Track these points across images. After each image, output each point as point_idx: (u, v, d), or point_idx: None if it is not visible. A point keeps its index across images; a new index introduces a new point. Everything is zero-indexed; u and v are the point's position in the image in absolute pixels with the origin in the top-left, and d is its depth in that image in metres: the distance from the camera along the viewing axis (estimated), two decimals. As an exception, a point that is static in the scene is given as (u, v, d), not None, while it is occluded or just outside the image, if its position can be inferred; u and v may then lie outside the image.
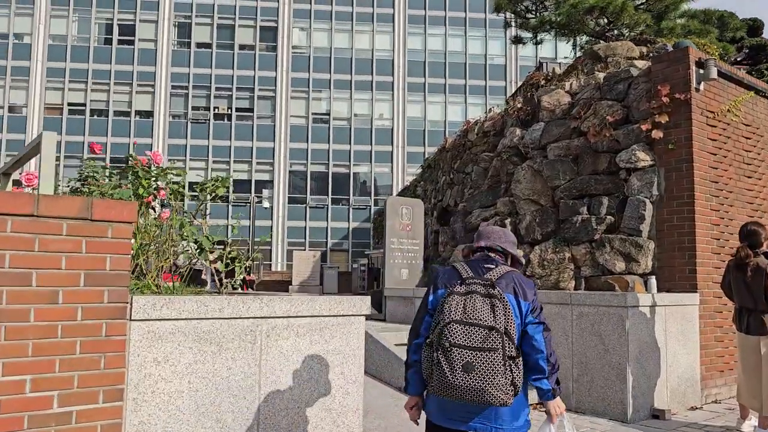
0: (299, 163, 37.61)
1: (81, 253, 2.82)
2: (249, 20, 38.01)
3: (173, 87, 37.34)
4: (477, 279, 2.58)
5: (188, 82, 37.28)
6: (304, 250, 35.14)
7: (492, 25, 38.90)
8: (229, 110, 37.49)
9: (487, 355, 2.38)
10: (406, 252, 9.76)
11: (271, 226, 36.81)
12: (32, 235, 2.71)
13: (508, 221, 8.94)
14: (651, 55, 9.15)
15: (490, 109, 17.96)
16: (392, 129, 38.14)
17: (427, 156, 24.36)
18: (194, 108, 37.31)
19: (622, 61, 9.64)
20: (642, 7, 12.28)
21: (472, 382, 2.37)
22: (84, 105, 36.68)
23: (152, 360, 3.24)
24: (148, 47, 37.38)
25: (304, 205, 37.19)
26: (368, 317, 10.09)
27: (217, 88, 37.42)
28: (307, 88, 37.93)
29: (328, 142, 37.57)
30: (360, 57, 38.47)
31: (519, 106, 10.12)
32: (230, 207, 36.56)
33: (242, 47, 38.12)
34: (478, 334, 2.42)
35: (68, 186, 4.82)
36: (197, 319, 3.41)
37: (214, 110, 37.32)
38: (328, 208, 37.29)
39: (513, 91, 26.98)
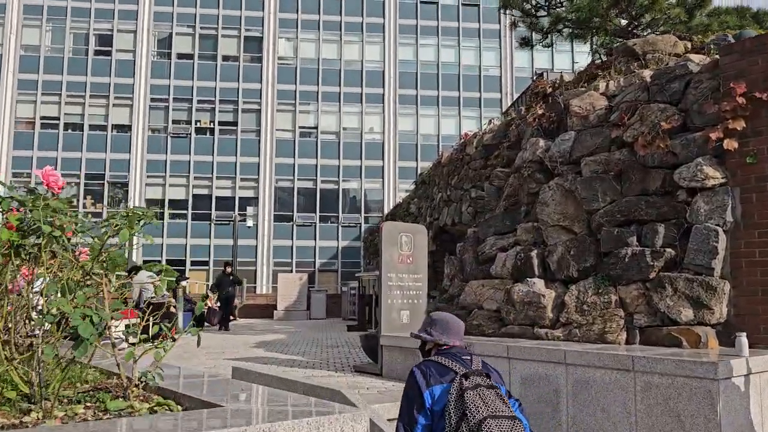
0: (285, 179, 35.84)
1: None
2: (233, 30, 36.40)
3: (152, 100, 35.55)
4: (472, 371, 2.61)
5: (168, 94, 35.51)
6: (291, 271, 33.28)
7: (486, 36, 37.55)
8: (212, 124, 35.72)
9: None
10: (406, 290, 8.02)
11: (256, 246, 34.93)
12: None
13: (533, 253, 7.23)
14: (706, 47, 7.51)
15: (490, 120, 16.41)
16: (383, 143, 36.51)
17: (420, 171, 22.68)
18: (175, 122, 35.51)
19: (666, 58, 8.02)
20: (672, 1, 10.72)
21: None
22: (57, 119, 34.79)
23: None
24: (126, 58, 35.62)
25: (291, 223, 35.38)
26: (361, 371, 8.31)
27: (199, 101, 35.67)
28: (293, 101, 36.26)
29: (316, 157, 35.86)
30: (349, 68, 36.90)
31: (540, 111, 8.45)
32: (213, 226, 34.67)
33: (225, 58, 36.44)
34: (509, 426, 2.44)
35: None
36: None
37: (195, 124, 35.54)
38: (316, 226, 35.51)
39: (510, 103, 25.50)
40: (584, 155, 7.23)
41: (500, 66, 37.59)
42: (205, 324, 16.50)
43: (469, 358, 2.79)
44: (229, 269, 17.40)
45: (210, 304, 17.25)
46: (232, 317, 20.68)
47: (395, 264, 7.97)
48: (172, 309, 13.78)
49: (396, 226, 8.17)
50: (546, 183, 7.57)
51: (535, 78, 20.77)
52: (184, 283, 17.28)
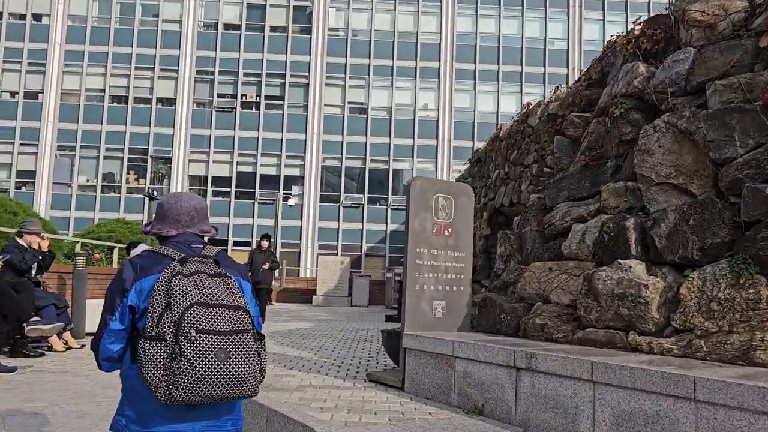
0: (333, 157, 33.94)
1: None
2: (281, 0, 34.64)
3: (198, 72, 34.23)
4: (196, 257, 2.14)
5: (214, 67, 34.11)
6: (336, 254, 31.46)
7: (553, 5, 34.45)
8: (258, 98, 34.13)
9: (240, 338, 2.04)
10: (442, 272, 5.83)
11: (300, 227, 33.25)
12: None
13: (629, 224, 4.90)
14: None
15: (557, 87, 14.18)
16: (437, 121, 34.07)
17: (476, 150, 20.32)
18: (220, 95, 34.09)
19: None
20: None
21: (229, 372, 1.99)
22: (103, 91, 33.93)
23: None
24: (173, 29, 34.39)
25: (338, 205, 33.50)
26: (377, 381, 6.18)
27: (245, 74, 34.12)
28: (343, 75, 34.24)
29: (366, 135, 33.78)
30: (403, 40, 34.55)
31: (638, 31, 6.06)
32: (256, 205, 33.18)
33: (273, 29, 34.71)
34: (227, 316, 2.04)
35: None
36: None
37: (241, 98, 34.03)
38: (363, 208, 33.51)
39: (577, 78, 22.45)
40: (711, 79, 4.85)
41: (567, 38, 34.44)
42: None
43: (200, 246, 2.26)
44: (266, 243, 13.25)
45: None
46: (267, 301, 18.89)
47: (428, 236, 5.78)
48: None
49: (431, 184, 5.95)
50: (648, 124, 5.21)
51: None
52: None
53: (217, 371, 1.97)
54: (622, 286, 4.61)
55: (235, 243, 32.54)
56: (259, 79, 34.12)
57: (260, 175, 33.56)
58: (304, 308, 20.71)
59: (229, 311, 2.05)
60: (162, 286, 2.04)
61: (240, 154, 33.66)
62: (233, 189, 33.37)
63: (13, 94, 33.83)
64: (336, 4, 34.86)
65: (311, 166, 33.66)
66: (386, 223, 33.58)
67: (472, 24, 34.77)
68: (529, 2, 34.55)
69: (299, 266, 32.72)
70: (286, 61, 34.16)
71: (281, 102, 34.05)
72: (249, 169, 33.71)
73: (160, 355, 1.97)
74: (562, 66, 33.96)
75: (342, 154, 33.80)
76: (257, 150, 33.60)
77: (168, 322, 1.98)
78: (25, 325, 5.86)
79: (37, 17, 34.41)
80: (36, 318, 6.23)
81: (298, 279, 28.81)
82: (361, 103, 34.42)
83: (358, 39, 34.60)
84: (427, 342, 5.26)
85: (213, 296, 2.05)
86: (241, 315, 2.08)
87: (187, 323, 1.96)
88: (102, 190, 33.23)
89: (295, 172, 33.90)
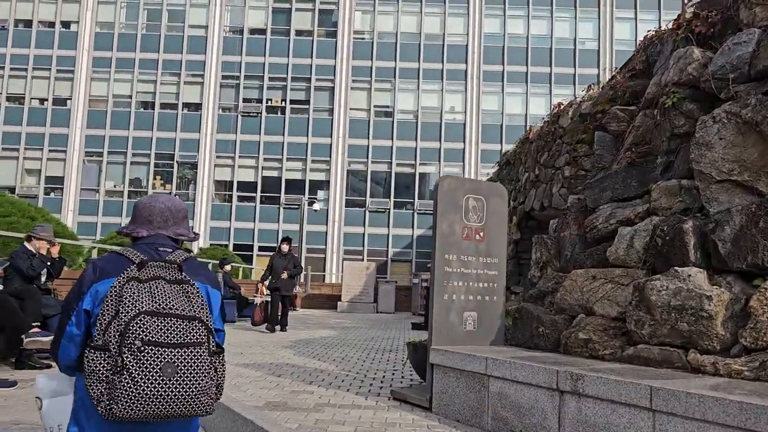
0: (359, 161, 33.56)
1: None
2: (307, 3, 34.43)
3: (224, 77, 34.19)
4: (156, 262, 2.00)
5: (240, 71, 34.03)
6: (362, 259, 31.03)
7: (583, 4, 33.64)
8: (283, 102, 33.96)
9: (190, 352, 1.88)
10: (473, 280, 5.31)
11: (326, 232, 32.91)
12: None
13: (687, 227, 4.34)
14: None
15: (589, 85, 13.53)
16: (464, 124, 33.46)
17: (504, 152, 19.76)
18: (245, 100, 34.01)
19: None
20: None
21: (176, 388, 1.83)
22: (130, 97, 34.09)
23: None
24: (199, 34, 34.42)
25: (363, 209, 33.09)
26: (402, 399, 5.67)
27: (270, 78, 33.97)
28: (369, 78, 33.87)
29: (392, 139, 33.33)
30: (429, 42, 34.06)
31: (690, 14, 5.49)
32: (281, 210, 32.94)
33: (299, 33, 34.54)
34: (178, 327, 1.88)
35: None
36: None
37: (266, 102, 33.88)
38: (389, 212, 33.04)
39: (609, 77, 21.67)
40: (781, 62, 4.27)
41: (598, 38, 33.59)
42: (252, 322, 12.59)
43: (169, 250, 2.11)
44: (286, 247, 12.43)
45: (260, 297, 13.15)
46: (291, 308, 18.40)
47: (457, 240, 5.27)
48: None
49: (460, 183, 5.44)
50: (706, 115, 4.64)
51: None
52: (227, 266, 15.26)
53: (162, 387, 1.83)
54: (680, 298, 4.04)
55: (261, 248, 32.34)
56: (285, 83, 33.95)
57: (285, 179, 33.33)
58: (328, 315, 20.29)
59: (182, 322, 1.89)
60: (115, 291, 1.90)
61: (265, 159, 33.48)
62: (258, 194, 33.21)
63: (42, 101, 34.21)
64: (361, 6, 34.55)
65: (337, 171, 33.33)
66: (413, 227, 33.06)
67: (500, 25, 34.13)
68: (558, 2, 33.80)
69: (324, 272, 32.36)
70: (311, 65, 33.94)
71: (306, 106, 33.81)
72: (274, 173, 33.51)
73: (103, 367, 1.84)
74: (593, 66, 33.11)
75: (368, 158, 33.40)
76: (282, 154, 33.39)
77: (114, 332, 1.84)
78: (24, 336, 5.52)
79: (66, 24, 34.78)
80: (36, 329, 5.88)
81: (323, 285, 28.45)
82: (387, 107, 34.00)
83: (383, 42, 34.22)
84: (457, 358, 4.75)
85: (166, 305, 1.90)
86: (195, 326, 1.91)
87: (132, 333, 1.82)
88: (129, 196, 33.34)
89: (321, 176, 33.60)
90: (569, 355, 4.69)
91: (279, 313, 12.15)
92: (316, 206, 30.48)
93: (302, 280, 26.40)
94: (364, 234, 32.95)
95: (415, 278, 23.09)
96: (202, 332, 1.92)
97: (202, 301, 1.99)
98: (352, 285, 23.46)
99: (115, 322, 1.84)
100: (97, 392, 1.83)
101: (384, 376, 6.83)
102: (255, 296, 13.99)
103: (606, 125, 6.37)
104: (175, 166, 33.57)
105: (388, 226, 32.97)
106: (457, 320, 5.22)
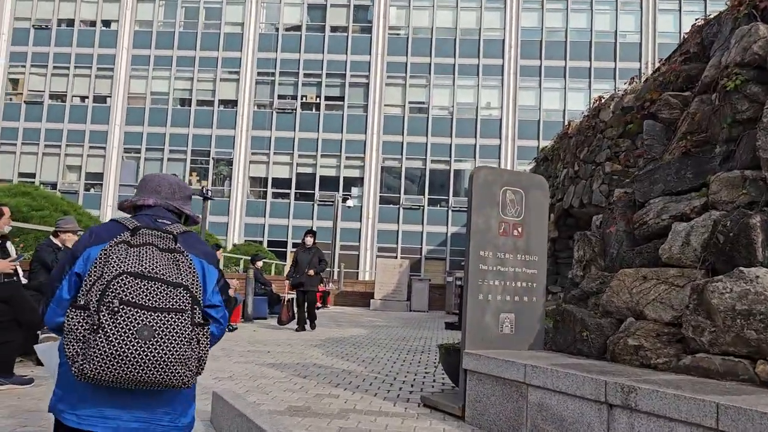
0: (393, 158, 33.20)
1: None
2: (342, -1, 34.23)
3: (259, 74, 34.21)
4: (152, 230, 1.97)
5: (275, 68, 34.01)
6: (396, 257, 30.69)
7: (625, -4, 32.59)
8: (318, 99, 33.80)
9: (170, 318, 1.82)
10: (511, 279, 4.93)
11: (359, 229, 32.68)
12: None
13: (755, 222, 3.88)
14: None
15: (632, 78, 13.00)
16: (501, 120, 32.80)
17: (542, 148, 19.24)
18: (280, 97, 33.96)
19: None
20: None
21: (151, 352, 1.77)
22: (167, 94, 34.41)
23: None
24: (235, 31, 34.52)
25: (397, 206, 32.74)
26: (433, 406, 5.27)
27: (305, 75, 33.85)
28: (404, 74, 33.46)
29: (427, 135, 32.89)
30: (465, 38, 33.47)
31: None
32: (316, 206, 32.83)
33: (334, 29, 34.32)
34: (160, 290, 1.83)
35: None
36: None
37: (301, 99, 33.78)
38: (424, 209, 32.62)
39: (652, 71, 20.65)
40: None
41: (640, 31, 32.49)
42: (279, 321, 11.99)
43: (168, 223, 2.07)
44: (311, 240, 11.73)
45: (288, 295, 12.58)
46: (319, 305, 18.19)
47: (493, 236, 4.89)
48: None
49: (498, 175, 5.05)
50: (774, 98, 4.16)
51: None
52: (259, 263, 15.11)
53: (136, 349, 1.76)
54: (747, 302, 3.60)
55: (295, 245, 32.24)
56: (320, 79, 33.81)
57: (320, 176, 33.19)
58: (361, 312, 20.04)
59: (166, 287, 1.84)
60: (104, 254, 1.88)
61: (300, 156, 33.40)
62: (293, 190, 33.15)
63: (83, 98, 34.78)
64: (397, 2, 34.15)
65: (371, 167, 33.05)
66: (447, 225, 32.57)
67: (538, 19, 33.33)
68: (598, -6, 32.83)
69: (358, 269, 32.13)
70: (346, 61, 33.71)
71: (341, 102, 33.61)
72: (309, 170, 33.39)
73: (81, 326, 1.81)
74: (635, 60, 32.04)
75: (402, 155, 33.04)
76: (317, 151, 33.25)
77: (96, 291, 1.81)
78: (39, 333, 5.37)
79: (106, 23, 35.28)
80: None
81: (356, 282, 28.20)
82: (422, 103, 33.56)
83: (419, 37, 33.78)
84: (493, 364, 4.37)
85: (152, 269, 1.85)
86: (180, 293, 1.86)
87: (112, 292, 1.79)
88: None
89: (355, 173, 33.35)
90: (617, 363, 4.27)
91: (306, 311, 11.71)
92: (350, 203, 30.23)
93: (335, 277, 26.21)
94: (397, 231, 32.61)
95: (449, 276, 22.67)
96: (186, 299, 1.86)
97: (193, 271, 1.93)
98: (386, 282, 23.16)
99: (98, 283, 1.81)
100: (72, 351, 1.79)
101: (414, 380, 6.49)
102: (285, 293, 13.72)
103: (656, 113, 5.89)
104: (211, 162, 33.75)
105: (422, 224, 32.55)
106: (493, 322, 4.84)
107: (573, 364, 4.10)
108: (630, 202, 5.50)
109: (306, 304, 11.67)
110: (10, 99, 35.08)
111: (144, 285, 1.81)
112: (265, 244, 30.08)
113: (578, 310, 4.97)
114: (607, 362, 4.34)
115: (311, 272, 11.41)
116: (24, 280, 6.86)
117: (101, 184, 34.02)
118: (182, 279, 1.88)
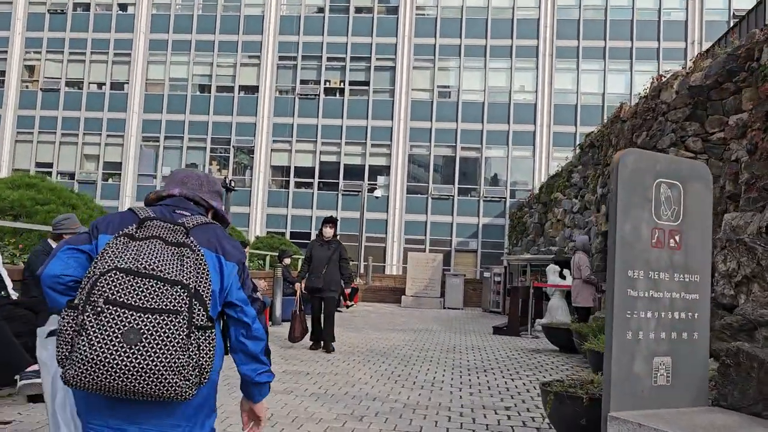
0: (421, 145, 31.67)
1: None
2: (367, -22, 32.66)
3: (281, 58, 32.82)
4: (162, 222, 1.83)
5: (297, 52, 32.58)
6: (424, 249, 29.31)
7: (668, -29, 30.62)
8: (342, 84, 32.34)
9: (162, 320, 1.65)
10: (666, 308, 3.51)
11: (386, 220, 31.29)
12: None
13: None
14: None
15: (699, 54, 11.79)
16: (535, 104, 31.07)
17: (585, 134, 17.68)
18: (303, 82, 32.55)
19: None
20: None
21: (137, 359, 1.60)
22: (186, 80, 33.19)
23: None
24: (255, 13, 33.13)
25: (426, 196, 31.27)
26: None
27: (328, 59, 32.38)
28: (432, 57, 31.83)
29: (456, 121, 31.28)
30: (497, 17, 31.72)
31: None
32: (340, 196, 31.50)
33: (358, 10, 32.74)
34: (151, 288, 1.66)
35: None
36: None
37: (325, 84, 32.36)
38: (454, 199, 31.10)
39: (698, 53, 19.13)
40: None
41: (686, 8, 30.46)
42: (290, 338, 9.16)
43: (187, 215, 1.93)
44: (330, 231, 9.15)
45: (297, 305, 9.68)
46: (345, 304, 16.83)
47: (644, 249, 3.47)
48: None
49: (651, 162, 3.58)
50: None
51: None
52: (287, 260, 13.81)
53: (119, 355, 1.60)
54: None
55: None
56: (344, 63, 32.32)
57: (344, 165, 31.81)
58: (392, 310, 18.72)
59: (162, 284, 1.67)
60: (106, 247, 1.75)
61: (323, 143, 32.04)
62: (316, 180, 31.82)
63: (100, 85, 33.71)
64: (424, -20, 32.54)
65: (398, 155, 31.57)
66: (478, 216, 31.03)
67: (575, -4, 31.52)
68: (641, -30, 30.90)
69: (384, 262, 30.78)
70: (371, 44, 32.16)
71: (366, 87, 32.11)
72: (333, 158, 31.99)
73: (70, 326, 1.68)
74: (680, 40, 30.11)
75: (430, 142, 31.50)
76: (341, 138, 31.86)
77: (85, 288, 1.69)
78: (17, 377, 4.08)
79: (122, 7, 34.10)
80: (35, 367, 4.32)
81: (384, 276, 26.89)
82: (452, 87, 31.96)
83: (448, 18, 32.09)
84: (663, 440, 2.96)
85: (149, 264, 1.68)
86: (175, 291, 1.68)
87: (98, 290, 1.65)
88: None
89: (381, 161, 31.90)
90: None
91: (321, 324, 9.02)
92: (377, 193, 28.83)
93: (362, 271, 24.90)
94: (426, 222, 31.15)
95: (487, 272, 21.24)
96: (182, 299, 1.67)
97: (199, 267, 1.75)
98: (417, 278, 21.81)
99: (90, 279, 1.69)
100: (61, 354, 1.68)
101: (499, 422, 5.11)
102: (296, 298, 11.77)
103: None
104: (232, 151, 32.52)
105: (452, 214, 31.05)
106: (644, 370, 3.43)
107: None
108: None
109: (323, 316, 8.99)
110: (26, 86, 34.12)
111: (135, 282, 1.66)
112: (287, 236, 28.83)
113: (761, 351, 3.53)
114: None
115: (333, 273, 8.96)
116: (14, 295, 5.61)
117: (119, 174, 33.00)
118: (183, 276, 1.70)
